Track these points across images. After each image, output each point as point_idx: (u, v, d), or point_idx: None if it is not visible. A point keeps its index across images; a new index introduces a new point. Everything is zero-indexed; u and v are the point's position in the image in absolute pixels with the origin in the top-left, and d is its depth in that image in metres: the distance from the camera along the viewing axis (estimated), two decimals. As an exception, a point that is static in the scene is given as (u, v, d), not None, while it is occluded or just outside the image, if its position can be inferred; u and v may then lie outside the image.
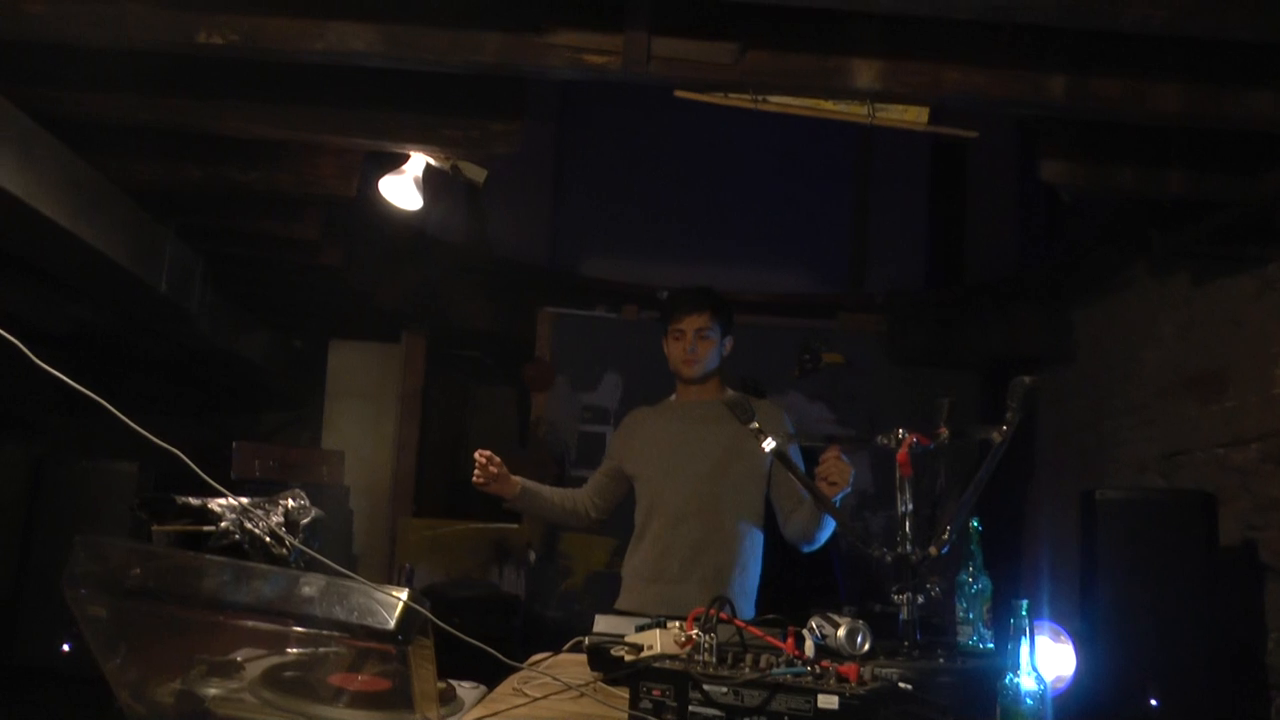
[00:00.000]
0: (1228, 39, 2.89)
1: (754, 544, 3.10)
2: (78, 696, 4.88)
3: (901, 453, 2.17)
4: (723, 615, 1.89)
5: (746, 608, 3.04)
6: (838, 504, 2.71)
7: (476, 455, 3.03)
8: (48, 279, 4.38)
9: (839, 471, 2.72)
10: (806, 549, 3.05)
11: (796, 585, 3.33)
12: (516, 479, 3.11)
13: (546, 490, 3.26)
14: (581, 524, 3.32)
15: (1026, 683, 1.59)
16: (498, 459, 3.04)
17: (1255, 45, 2.95)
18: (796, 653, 1.76)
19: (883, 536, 5.96)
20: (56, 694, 5.08)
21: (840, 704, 1.54)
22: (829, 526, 2.99)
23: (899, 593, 2.08)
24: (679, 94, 3.26)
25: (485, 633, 1.68)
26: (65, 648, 5.23)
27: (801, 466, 2.95)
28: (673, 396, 3.28)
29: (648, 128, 6.77)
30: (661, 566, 3.05)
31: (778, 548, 3.17)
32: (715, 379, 3.21)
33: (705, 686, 1.65)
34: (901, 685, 1.65)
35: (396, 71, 3.24)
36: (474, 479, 3.03)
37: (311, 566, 1.64)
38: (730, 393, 3.10)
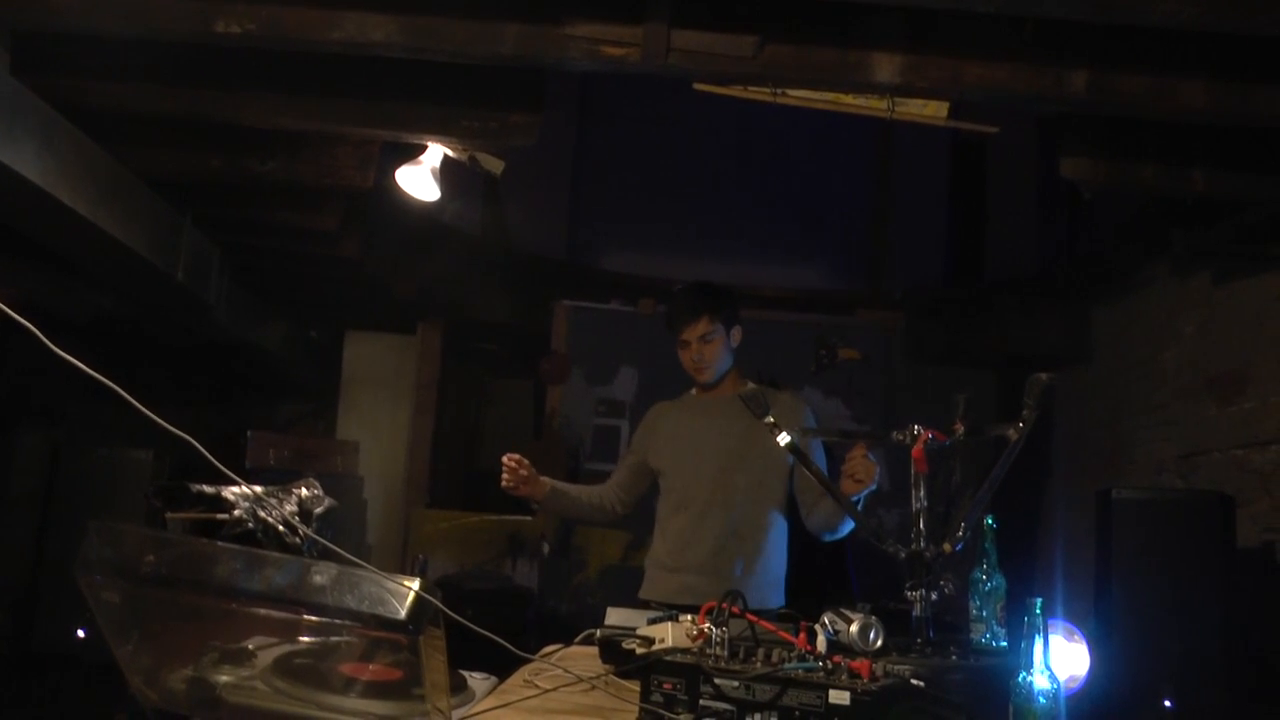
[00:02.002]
0: (1256, 35, 2.86)
1: (778, 535, 3.10)
2: (93, 682, 4.91)
3: (917, 449, 2.16)
4: (734, 609, 1.88)
5: (774, 597, 3.05)
6: (862, 500, 2.72)
7: (505, 460, 3.01)
8: (67, 267, 4.39)
9: (864, 469, 2.72)
10: (829, 538, 3.04)
11: (810, 581, 3.32)
12: (545, 480, 3.11)
13: (574, 489, 3.27)
14: (608, 519, 3.32)
15: (1040, 681, 1.58)
16: (526, 461, 3.02)
17: (1283, 42, 2.91)
18: (809, 648, 1.76)
19: (897, 533, 5.91)
20: (73, 680, 5.11)
21: (852, 700, 1.53)
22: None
23: (912, 589, 2.08)
24: (698, 87, 3.24)
25: (498, 624, 1.68)
26: (80, 634, 5.26)
27: (823, 461, 2.94)
28: (694, 390, 3.28)
29: (666, 121, 6.75)
30: (685, 558, 3.06)
31: (795, 541, 3.16)
32: (733, 373, 3.20)
33: (717, 680, 1.65)
34: (914, 682, 1.64)
35: (415, 62, 3.23)
36: (503, 482, 3.02)
37: (324, 556, 1.64)
38: (749, 385, 3.09)
